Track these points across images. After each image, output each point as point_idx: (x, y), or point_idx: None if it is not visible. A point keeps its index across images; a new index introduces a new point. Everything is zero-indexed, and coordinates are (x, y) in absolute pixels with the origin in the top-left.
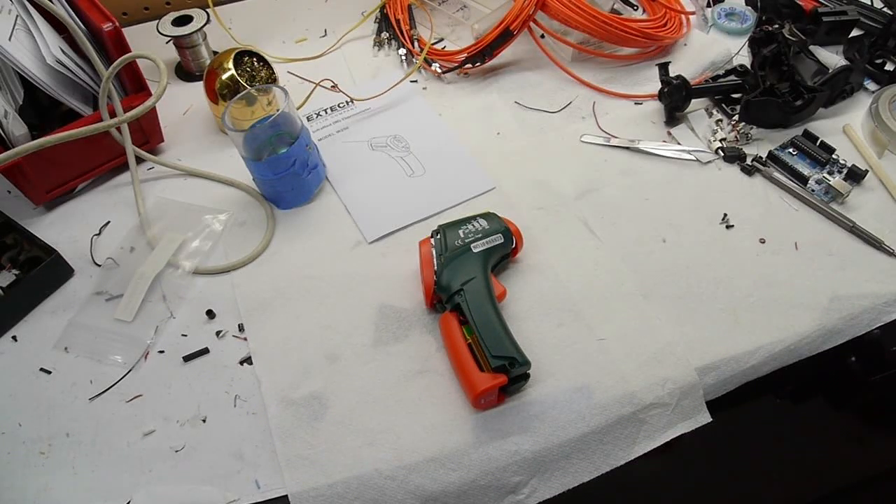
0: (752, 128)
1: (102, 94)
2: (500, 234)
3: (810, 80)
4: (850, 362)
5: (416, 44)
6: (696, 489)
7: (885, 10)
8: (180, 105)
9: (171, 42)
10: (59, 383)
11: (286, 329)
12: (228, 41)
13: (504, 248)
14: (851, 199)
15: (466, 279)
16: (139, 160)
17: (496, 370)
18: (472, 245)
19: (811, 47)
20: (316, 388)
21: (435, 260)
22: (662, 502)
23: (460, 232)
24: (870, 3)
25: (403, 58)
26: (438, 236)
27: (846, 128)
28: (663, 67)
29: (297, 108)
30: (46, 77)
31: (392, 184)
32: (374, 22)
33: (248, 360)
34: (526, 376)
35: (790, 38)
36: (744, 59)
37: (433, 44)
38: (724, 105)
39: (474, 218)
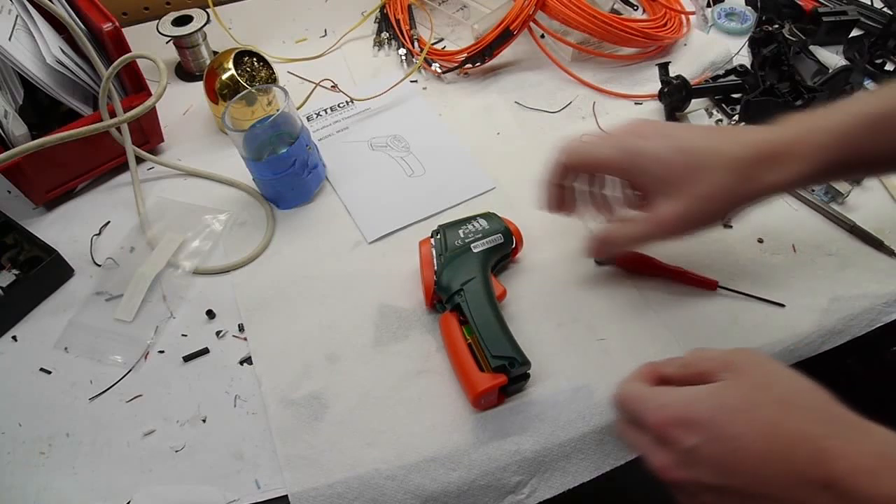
0: None
1: (102, 94)
2: (500, 234)
3: (810, 80)
4: (850, 362)
5: (416, 44)
6: None
7: (885, 10)
8: (180, 105)
9: (171, 42)
10: (59, 383)
11: (286, 329)
12: (228, 41)
13: (504, 248)
14: (851, 199)
15: (466, 279)
16: (139, 160)
17: (496, 370)
18: (472, 245)
19: (811, 47)
20: (316, 388)
21: (435, 260)
22: (662, 502)
23: (460, 232)
24: (870, 3)
25: (403, 58)
26: (438, 236)
27: None
28: (663, 67)
29: (297, 108)
30: (46, 77)
31: (392, 184)
32: (374, 22)
33: (248, 360)
34: (526, 376)
35: (790, 38)
36: (744, 59)
37: (433, 44)
38: (724, 105)
39: (474, 218)
